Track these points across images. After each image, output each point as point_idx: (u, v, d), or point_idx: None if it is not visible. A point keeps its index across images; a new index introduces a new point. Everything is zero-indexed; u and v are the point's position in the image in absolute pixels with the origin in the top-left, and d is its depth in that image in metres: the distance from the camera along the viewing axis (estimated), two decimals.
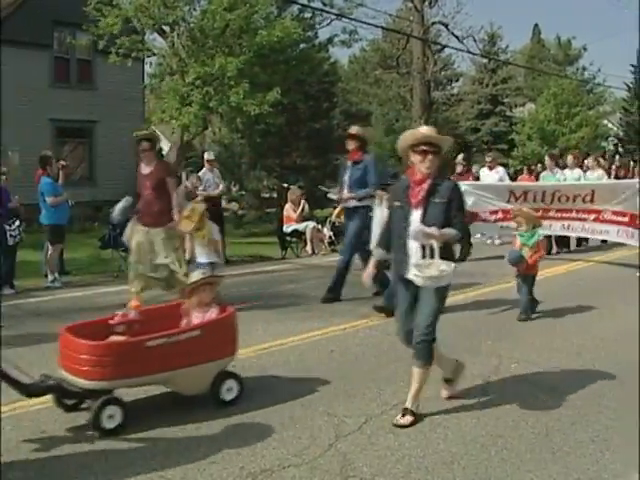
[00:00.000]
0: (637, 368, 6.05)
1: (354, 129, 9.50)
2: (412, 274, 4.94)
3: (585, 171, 15.52)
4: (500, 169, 15.93)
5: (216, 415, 5.10)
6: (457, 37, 31.42)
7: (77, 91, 23.69)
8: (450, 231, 4.94)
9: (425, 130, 5.20)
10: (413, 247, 5.01)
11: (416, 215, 5.00)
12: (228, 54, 15.90)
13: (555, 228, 13.49)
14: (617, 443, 4.62)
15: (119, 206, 9.94)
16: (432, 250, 4.85)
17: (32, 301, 9.94)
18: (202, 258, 8.55)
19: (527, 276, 8.48)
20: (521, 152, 38.66)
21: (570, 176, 14.68)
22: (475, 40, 32.87)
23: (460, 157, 15.04)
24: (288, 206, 15.91)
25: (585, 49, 58.22)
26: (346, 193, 9.35)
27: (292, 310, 8.97)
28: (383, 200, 8.10)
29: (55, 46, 23.38)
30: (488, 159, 16.19)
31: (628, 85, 51.45)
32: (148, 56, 19.49)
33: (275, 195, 24.08)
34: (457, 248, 5.24)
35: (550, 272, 11.68)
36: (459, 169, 14.39)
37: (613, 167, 20.53)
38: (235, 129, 22.71)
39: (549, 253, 13.68)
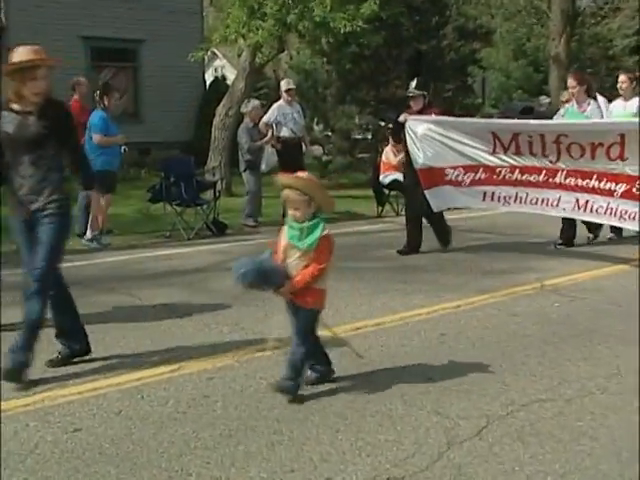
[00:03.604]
0: None
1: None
2: None
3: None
4: (600, 99, 11.84)
5: (295, 412, 5.14)
6: None
7: (118, 3, 23.71)
8: None
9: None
10: None
11: None
12: None
13: (565, 204, 10.20)
14: None
15: None
16: None
17: (64, 266, 10.09)
18: None
19: (304, 311, 5.53)
20: None
21: (621, 113, 11.39)
22: None
23: (413, 85, 11.29)
24: (388, 149, 15.73)
25: None
26: None
27: (391, 282, 8.96)
28: None
29: None
30: (566, 94, 12.51)
31: None
32: None
33: (370, 136, 23.98)
34: None
35: None
36: (415, 104, 11.08)
37: None
38: (319, 52, 22.65)
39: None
